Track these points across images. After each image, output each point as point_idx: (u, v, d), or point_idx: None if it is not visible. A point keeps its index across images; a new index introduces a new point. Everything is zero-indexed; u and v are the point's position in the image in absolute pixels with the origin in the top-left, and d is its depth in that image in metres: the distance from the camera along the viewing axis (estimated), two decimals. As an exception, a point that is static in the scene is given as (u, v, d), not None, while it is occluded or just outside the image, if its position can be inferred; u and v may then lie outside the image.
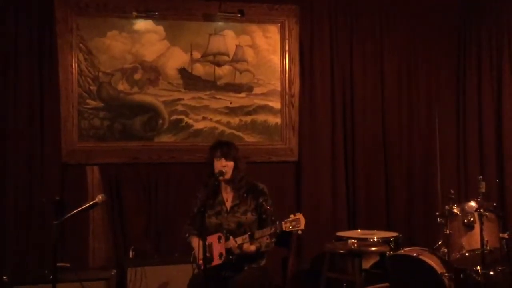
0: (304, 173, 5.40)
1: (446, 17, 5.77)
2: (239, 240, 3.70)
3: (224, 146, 3.91)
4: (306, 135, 5.42)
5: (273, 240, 3.78)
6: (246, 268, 3.78)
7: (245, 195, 3.92)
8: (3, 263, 4.68)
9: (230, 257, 3.70)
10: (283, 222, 3.54)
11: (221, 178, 3.80)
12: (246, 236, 3.69)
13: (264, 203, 3.90)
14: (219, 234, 3.74)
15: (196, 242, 3.83)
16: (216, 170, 3.82)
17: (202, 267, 3.52)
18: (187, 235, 4.00)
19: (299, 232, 3.53)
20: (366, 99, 5.56)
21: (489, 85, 5.55)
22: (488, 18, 5.59)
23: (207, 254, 3.53)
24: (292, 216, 3.54)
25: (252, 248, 3.73)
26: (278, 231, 3.59)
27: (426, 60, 5.70)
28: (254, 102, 5.36)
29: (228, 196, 3.93)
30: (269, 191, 4.00)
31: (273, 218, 3.86)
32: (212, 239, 3.73)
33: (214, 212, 3.87)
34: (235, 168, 3.87)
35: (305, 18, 5.44)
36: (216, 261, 3.71)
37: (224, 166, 3.83)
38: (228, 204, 3.90)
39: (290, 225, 3.51)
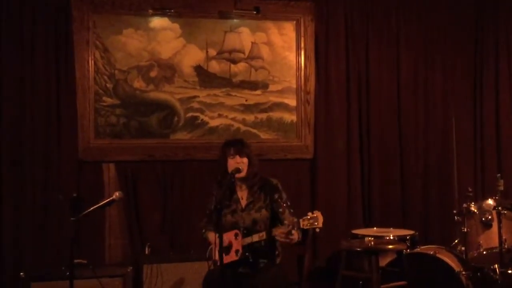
0: (320, 170, 5.39)
1: (462, 9, 5.72)
2: (255, 237, 3.69)
3: (236, 144, 3.90)
4: (322, 132, 5.41)
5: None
6: (262, 265, 3.77)
7: (259, 191, 3.91)
8: (21, 259, 4.73)
9: (247, 253, 3.70)
10: (301, 220, 3.52)
11: (237, 175, 3.79)
12: (263, 233, 3.68)
13: (279, 200, 3.89)
14: (236, 231, 3.74)
15: (213, 236, 3.82)
16: (231, 168, 3.80)
17: (218, 263, 3.52)
18: (203, 230, 4.01)
19: (317, 230, 3.50)
20: (382, 95, 5.53)
21: (507, 80, 5.52)
22: (504, 10, 5.54)
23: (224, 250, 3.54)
24: (310, 214, 3.51)
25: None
26: (296, 229, 3.57)
27: (443, 55, 5.66)
28: (269, 99, 5.36)
29: (243, 194, 3.93)
30: (282, 186, 3.98)
31: (291, 210, 3.85)
32: (229, 235, 3.73)
33: (230, 210, 3.87)
34: (249, 164, 3.87)
35: (320, 15, 5.42)
36: (232, 257, 3.72)
37: (239, 163, 3.82)
38: (243, 202, 3.90)
39: (308, 223, 3.49)
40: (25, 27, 4.84)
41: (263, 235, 3.69)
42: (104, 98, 5.07)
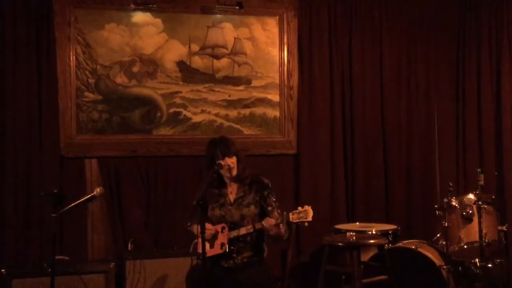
0: (303, 166, 5.40)
1: (445, 7, 5.75)
2: (243, 230, 3.69)
3: (222, 145, 3.85)
4: (305, 128, 5.42)
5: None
6: (246, 260, 3.77)
7: (249, 187, 3.90)
8: (2, 256, 4.69)
9: (232, 247, 3.70)
10: (290, 213, 3.53)
11: (228, 175, 3.79)
12: (251, 226, 3.69)
13: (268, 197, 3.88)
14: (223, 224, 3.74)
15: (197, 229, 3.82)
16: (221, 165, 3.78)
17: (202, 256, 3.52)
18: (188, 223, 3.99)
19: (306, 224, 3.51)
20: (365, 90, 5.55)
21: (488, 78, 5.56)
22: (487, 9, 5.58)
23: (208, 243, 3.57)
24: (299, 208, 3.53)
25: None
26: (284, 222, 3.58)
27: (425, 52, 5.69)
28: (252, 95, 5.36)
29: (232, 189, 3.91)
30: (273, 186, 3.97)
31: (279, 210, 3.84)
32: (215, 228, 3.73)
33: (218, 204, 3.86)
34: (238, 161, 3.86)
35: (303, 10, 5.42)
36: (217, 250, 3.72)
37: (229, 164, 3.80)
38: (232, 197, 3.89)
39: (297, 217, 3.50)
40: (6, 22, 4.79)
41: (250, 227, 3.69)
42: (86, 93, 5.04)
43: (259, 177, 3.95)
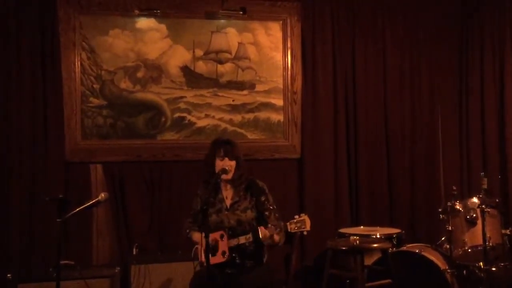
0: (307, 170, 5.41)
1: (448, 11, 5.77)
2: (242, 239, 3.70)
3: (227, 145, 3.88)
4: (309, 132, 5.43)
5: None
6: (248, 265, 3.78)
7: (245, 192, 3.91)
8: (8, 261, 4.71)
9: (233, 254, 3.71)
10: (288, 223, 3.54)
11: (223, 176, 3.79)
12: (250, 235, 3.69)
13: (265, 202, 3.89)
14: (222, 232, 3.74)
15: (197, 237, 3.83)
16: (218, 168, 3.81)
17: (204, 264, 3.53)
18: (187, 230, 4.00)
19: (305, 233, 3.53)
20: (369, 95, 5.56)
21: (491, 81, 5.54)
22: (490, 12, 5.58)
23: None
24: (297, 217, 3.53)
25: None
26: (278, 231, 3.59)
27: (429, 55, 5.71)
28: (256, 99, 5.38)
29: (228, 194, 3.93)
30: (269, 189, 3.98)
31: (277, 214, 3.85)
32: (214, 236, 3.73)
33: (215, 210, 3.87)
34: (237, 167, 3.87)
35: (307, 15, 5.44)
36: (219, 258, 3.72)
37: (227, 165, 3.81)
38: (228, 202, 3.90)
39: (295, 226, 3.51)
40: (11, 28, 4.82)
41: (249, 237, 3.70)
42: (91, 99, 5.07)
43: (254, 181, 3.96)
